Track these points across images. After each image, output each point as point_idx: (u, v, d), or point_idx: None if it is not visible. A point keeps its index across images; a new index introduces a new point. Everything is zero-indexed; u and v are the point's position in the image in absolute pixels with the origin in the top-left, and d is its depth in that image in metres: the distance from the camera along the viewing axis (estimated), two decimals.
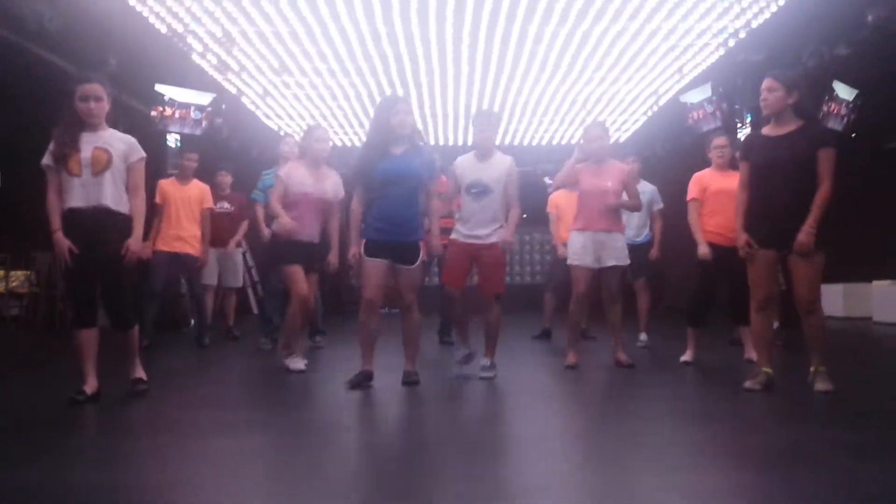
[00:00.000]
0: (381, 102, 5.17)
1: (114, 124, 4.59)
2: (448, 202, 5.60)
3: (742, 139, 4.75)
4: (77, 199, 4.17)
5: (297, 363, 5.57)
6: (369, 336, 4.89)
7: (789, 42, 8.65)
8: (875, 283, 10.63)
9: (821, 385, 4.32)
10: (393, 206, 4.77)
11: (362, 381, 4.77)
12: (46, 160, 4.22)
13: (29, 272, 11.17)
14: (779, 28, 8.27)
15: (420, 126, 12.44)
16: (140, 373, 4.54)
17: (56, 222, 4.17)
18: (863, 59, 8.28)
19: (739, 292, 5.22)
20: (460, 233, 5.23)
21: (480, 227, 5.16)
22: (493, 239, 5.16)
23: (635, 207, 6.01)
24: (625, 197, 5.73)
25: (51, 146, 4.21)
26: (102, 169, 4.20)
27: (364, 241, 4.84)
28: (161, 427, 3.82)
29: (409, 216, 4.85)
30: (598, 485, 2.72)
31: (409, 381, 4.83)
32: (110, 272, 4.26)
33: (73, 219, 4.16)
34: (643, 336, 7.22)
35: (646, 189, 7.31)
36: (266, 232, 6.52)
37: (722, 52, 9.24)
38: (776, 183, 4.38)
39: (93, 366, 4.26)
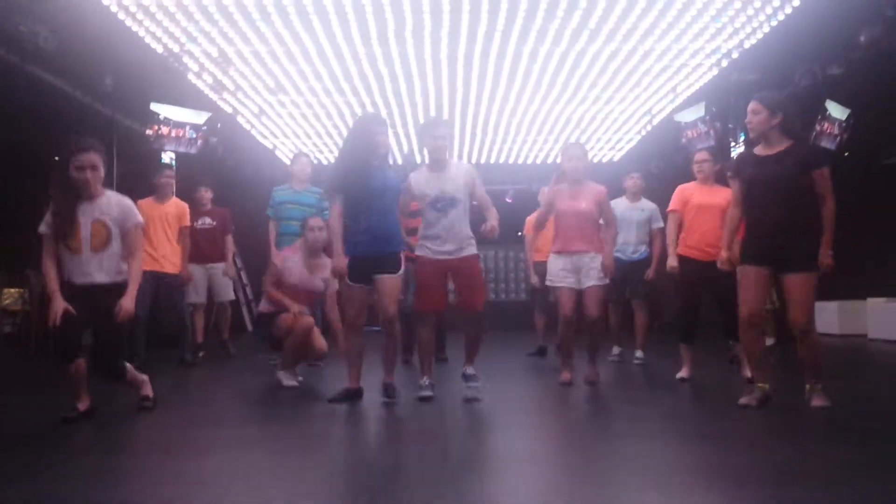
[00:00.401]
0: (364, 119, 5.15)
1: (109, 143, 4.61)
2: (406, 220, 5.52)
3: (734, 156, 4.80)
4: (77, 275, 4.21)
5: (290, 379, 5.61)
6: (355, 355, 4.91)
7: (782, 62, 8.72)
8: (870, 300, 10.64)
9: (817, 401, 4.33)
10: (378, 219, 4.79)
11: (345, 398, 4.81)
12: (44, 229, 4.22)
13: (22, 290, 11.13)
14: (772, 48, 8.33)
15: (415, 144, 12.54)
16: (147, 390, 4.56)
17: (53, 284, 4.16)
18: (856, 79, 8.35)
19: (728, 308, 5.28)
20: (430, 249, 5.01)
21: (451, 241, 4.96)
22: (468, 253, 5.01)
23: (610, 234, 5.76)
24: (601, 221, 5.68)
25: (48, 216, 4.20)
26: (101, 245, 4.24)
27: (347, 258, 4.81)
28: (154, 445, 3.81)
29: (391, 229, 4.87)
30: (591, 503, 2.70)
31: (390, 395, 4.84)
32: (107, 339, 4.29)
33: (73, 292, 4.17)
34: (639, 353, 7.22)
35: (646, 207, 7.33)
36: (275, 253, 6.45)
37: (715, 71, 9.31)
38: (768, 201, 4.41)
39: (84, 386, 4.25)
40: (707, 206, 5.69)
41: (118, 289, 4.25)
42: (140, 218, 4.39)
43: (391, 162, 5.33)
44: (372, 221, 4.78)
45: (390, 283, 4.85)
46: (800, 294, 4.33)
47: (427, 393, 4.91)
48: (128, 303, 4.23)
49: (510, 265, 14.68)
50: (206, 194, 7.99)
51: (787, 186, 4.36)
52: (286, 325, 5.68)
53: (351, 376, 4.90)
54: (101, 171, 4.26)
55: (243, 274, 14.34)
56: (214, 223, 7.88)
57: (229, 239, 7.97)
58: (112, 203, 4.30)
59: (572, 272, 5.57)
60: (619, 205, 7.15)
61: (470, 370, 5.08)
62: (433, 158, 5.07)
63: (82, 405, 4.22)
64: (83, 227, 4.19)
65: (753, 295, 4.48)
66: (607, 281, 5.68)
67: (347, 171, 4.83)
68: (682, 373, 5.81)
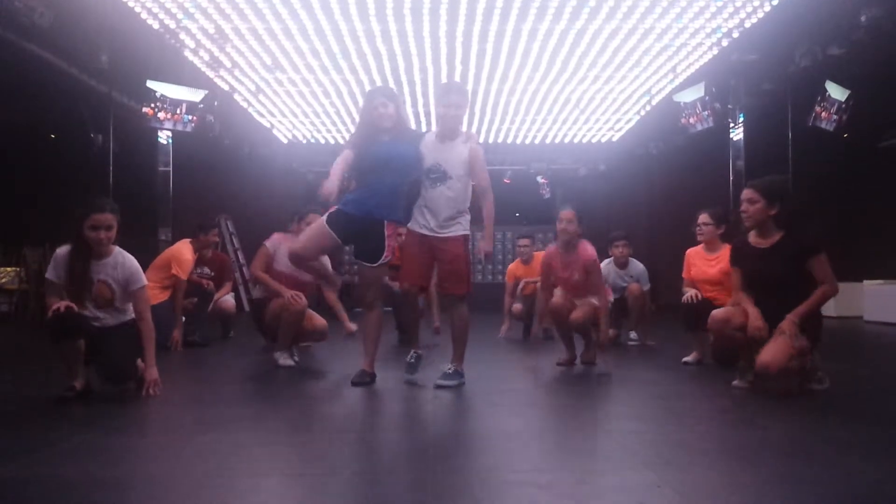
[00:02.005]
0: (368, 93, 5.03)
1: (105, 121, 4.59)
2: None
3: (731, 247, 4.76)
4: (89, 319, 4.27)
5: (287, 359, 5.62)
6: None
7: (783, 42, 8.68)
8: (866, 282, 10.68)
9: (816, 384, 4.35)
10: (373, 189, 4.69)
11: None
12: (52, 277, 4.22)
13: (19, 269, 11.12)
14: (772, 28, 8.29)
15: (412, 124, 12.48)
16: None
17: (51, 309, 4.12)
18: (856, 59, 8.31)
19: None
20: (417, 222, 4.80)
21: (434, 217, 4.71)
22: (450, 233, 4.72)
23: (601, 304, 5.64)
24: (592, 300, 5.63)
25: (59, 269, 4.20)
26: (106, 304, 4.31)
27: (335, 207, 4.70)
28: (151, 424, 3.82)
29: (384, 200, 4.69)
30: (592, 481, 2.71)
31: (362, 382, 4.72)
32: (113, 364, 4.33)
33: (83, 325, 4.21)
34: (633, 334, 7.25)
35: (634, 272, 7.36)
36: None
37: (715, 51, 9.26)
38: (768, 293, 4.40)
39: (81, 365, 4.25)
40: (703, 279, 5.85)
41: (126, 327, 4.37)
42: (145, 281, 4.41)
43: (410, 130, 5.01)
44: (366, 190, 4.70)
45: (370, 273, 4.79)
46: (777, 347, 4.19)
47: (446, 382, 4.68)
48: (152, 373, 4.35)
49: (507, 246, 14.64)
50: (214, 238, 7.71)
51: (784, 283, 4.35)
52: (274, 311, 5.76)
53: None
54: (115, 232, 4.26)
55: (240, 254, 14.36)
56: (213, 274, 7.76)
57: (228, 285, 7.95)
58: (118, 265, 4.30)
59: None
60: (608, 270, 7.22)
61: (450, 368, 4.78)
62: (440, 126, 4.84)
63: (79, 384, 4.23)
64: (95, 285, 4.26)
65: (772, 354, 4.25)
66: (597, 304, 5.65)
67: (356, 142, 4.81)
68: (690, 357, 5.78)
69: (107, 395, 4.37)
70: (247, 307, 12.93)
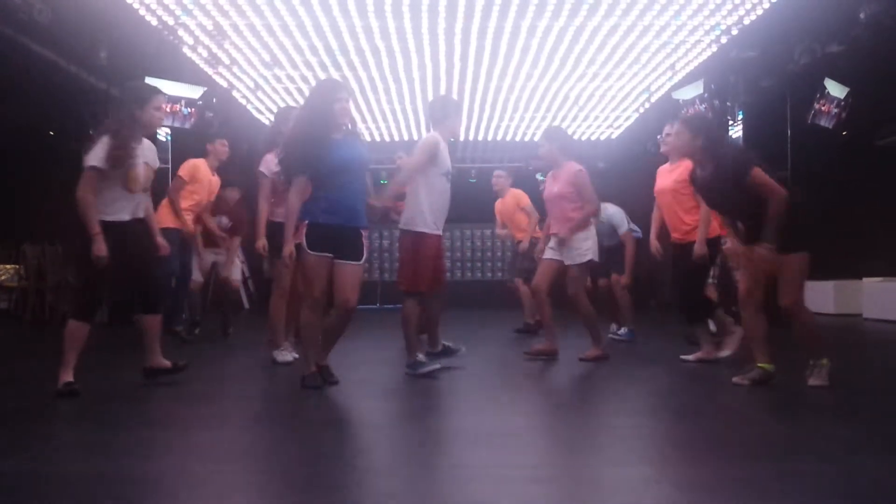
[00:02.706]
0: (321, 86, 4.69)
1: (103, 118, 4.62)
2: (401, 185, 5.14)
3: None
4: (124, 212, 4.32)
5: (285, 356, 5.59)
6: (316, 335, 4.49)
7: (782, 39, 8.66)
8: (865, 279, 10.68)
9: (814, 380, 4.35)
10: (348, 196, 4.38)
11: (319, 382, 4.43)
12: (98, 163, 4.19)
13: (18, 266, 11.11)
14: (771, 25, 8.27)
15: (412, 120, 12.47)
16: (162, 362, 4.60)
17: (96, 226, 4.16)
18: (855, 56, 8.30)
19: (685, 290, 5.58)
20: (430, 225, 4.87)
21: (443, 217, 4.99)
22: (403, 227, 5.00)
23: (590, 212, 5.73)
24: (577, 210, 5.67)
25: (104, 151, 4.19)
26: (147, 188, 4.49)
27: (307, 224, 4.33)
28: (148, 420, 3.81)
29: (360, 206, 4.49)
30: (590, 475, 2.72)
31: (312, 385, 4.39)
32: (150, 271, 4.47)
33: (116, 230, 4.24)
34: (614, 327, 7.30)
35: (605, 216, 7.30)
36: None
37: (714, 48, 9.24)
38: (729, 216, 4.70)
39: (77, 352, 4.23)
40: (661, 190, 5.89)
41: (139, 223, 4.44)
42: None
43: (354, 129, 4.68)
44: (339, 198, 4.36)
45: (353, 272, 4.43)
46: (784, 277, 4.36)
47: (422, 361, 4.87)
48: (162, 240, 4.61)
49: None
50: (225, 147, 7.32)
51: (738, 208, 4.50)
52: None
53: (315, 357, 4.50)
54: None
55: (239, 251, 14.32)
56: (231, 226, 7.45)
57: (236, 246, 7.69)
58: (147, 146, 4.48)
59: (557, 250, 5.70)
60: None
61: (410, 359, 4.92)
62: (451, 134, 5.19)
63: (71, 377, 4.19)
64: (139, 167, 4.33)
65: (747, 275, 4.55)
66: (584, 259, 5.67)
67: (308, 144, 4.33)
68: (694, 354, 5.64)
69: (101, 390, 4.37)
70: (246, 304, 12.94)
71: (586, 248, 5.66)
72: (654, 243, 6.18)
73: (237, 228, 7.61)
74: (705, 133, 4.57)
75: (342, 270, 4.38)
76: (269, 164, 5.42)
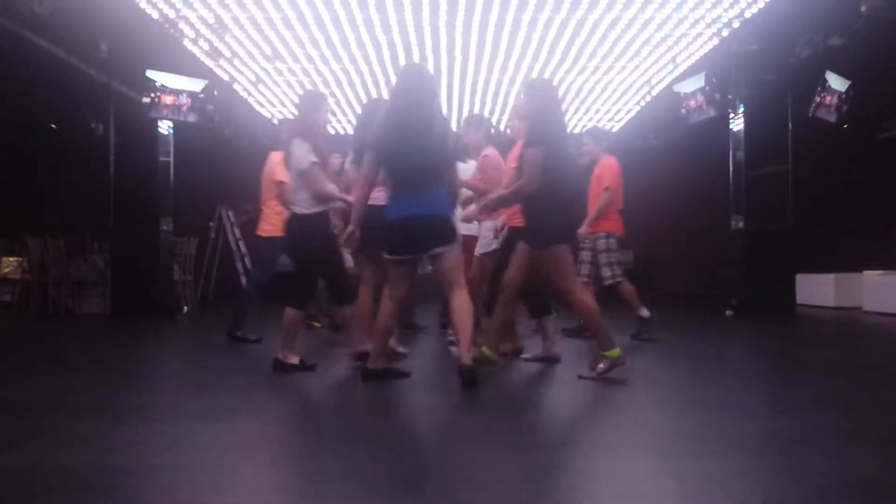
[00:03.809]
0: (406, 74, 4.56)
1: (105, 111, 4.63)
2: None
3: None
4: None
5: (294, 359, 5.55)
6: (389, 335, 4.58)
7: (783, 32, 8.66)
8: (866, 272, 10.68)
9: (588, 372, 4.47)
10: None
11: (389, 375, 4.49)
12: (318, 159, 4.68)
13: (21, 258, 11.13)
14: (773, 18, 8.27)
15: None
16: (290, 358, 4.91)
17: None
18: (856, 50, 8.30)
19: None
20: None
21: None
22: None
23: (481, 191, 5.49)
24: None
25: (313, 150, 4.66)
26: None
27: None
28: (152, 412, 3.82)
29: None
30: (593, 469, 2.73)
31: (466, 375, 4.18)
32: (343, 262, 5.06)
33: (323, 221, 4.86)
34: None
35: None
36: None
37: (716, 41, 9.23)
38: None
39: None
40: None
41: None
42: None
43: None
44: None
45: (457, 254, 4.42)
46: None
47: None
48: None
49: None
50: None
51: None
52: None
53: (383, 354, 4.53)
54: None
55: (241, 245, 14.35)
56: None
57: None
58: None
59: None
60: None
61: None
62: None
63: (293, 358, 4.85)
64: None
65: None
66: (489, 249, 5.72)
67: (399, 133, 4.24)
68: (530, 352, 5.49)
69: (105, 383, 4.38)
70: None
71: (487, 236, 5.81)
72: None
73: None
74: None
75: (437, 260, 4.38)
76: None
